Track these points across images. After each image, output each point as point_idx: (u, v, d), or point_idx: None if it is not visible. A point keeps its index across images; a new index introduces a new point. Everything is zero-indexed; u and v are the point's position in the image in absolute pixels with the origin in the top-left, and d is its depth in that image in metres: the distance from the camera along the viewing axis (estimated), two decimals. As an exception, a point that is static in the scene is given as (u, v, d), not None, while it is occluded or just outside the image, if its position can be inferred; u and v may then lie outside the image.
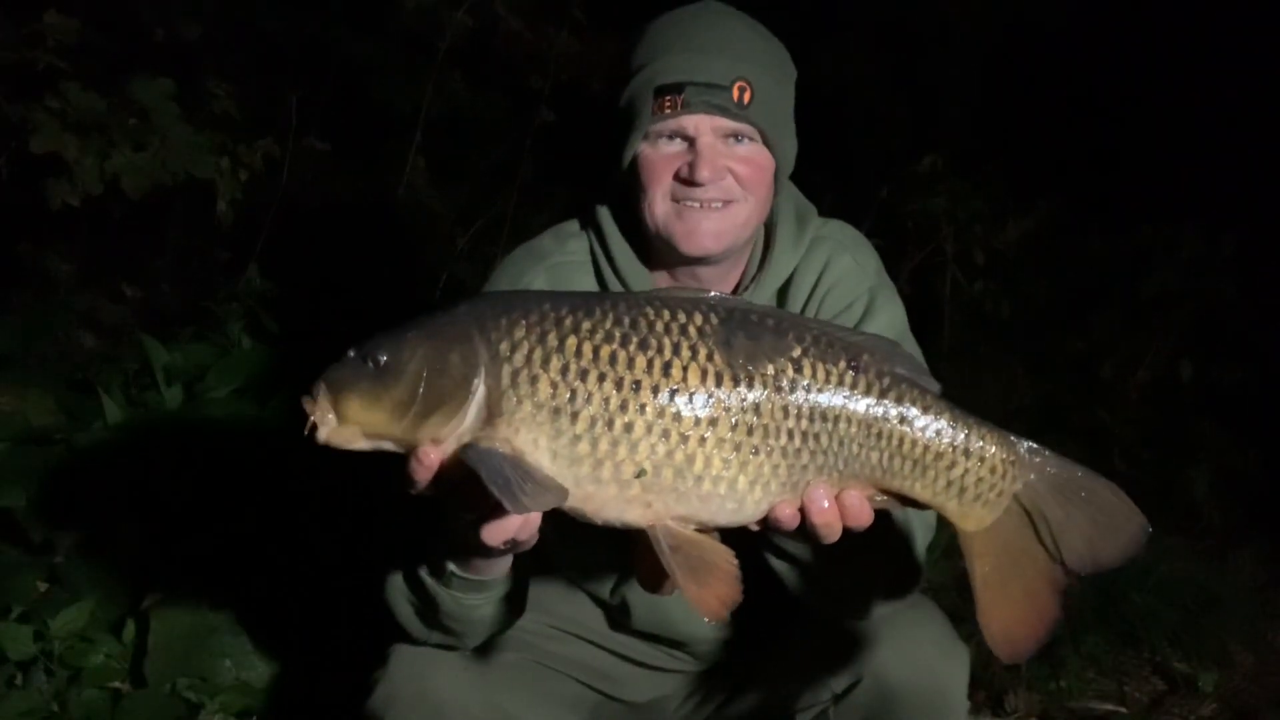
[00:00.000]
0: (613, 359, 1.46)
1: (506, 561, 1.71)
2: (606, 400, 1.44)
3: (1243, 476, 4.80)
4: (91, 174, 3.59)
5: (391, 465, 1.51)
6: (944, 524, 1.65)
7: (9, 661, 2.64)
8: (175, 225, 4.65)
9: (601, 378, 1.45)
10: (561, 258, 1.95)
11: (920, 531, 1.86)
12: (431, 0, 4.65)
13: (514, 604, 1.84)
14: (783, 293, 1.96)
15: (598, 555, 1.96)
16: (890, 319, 1.94)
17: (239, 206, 4.05)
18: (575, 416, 1.44)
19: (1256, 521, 4.45)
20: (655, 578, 1.52)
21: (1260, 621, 3.79)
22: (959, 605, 3.23)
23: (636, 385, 1.45)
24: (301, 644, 2.75)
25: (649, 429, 1.45)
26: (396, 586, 1.79)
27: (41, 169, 3.64)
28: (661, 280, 1.95)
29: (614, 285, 1.93)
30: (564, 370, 1.45)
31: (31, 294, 4.13)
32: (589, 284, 1.95)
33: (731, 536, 1.54)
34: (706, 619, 1.49)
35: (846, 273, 1.96)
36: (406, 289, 4.34)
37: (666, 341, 1.47)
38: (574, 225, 2.00)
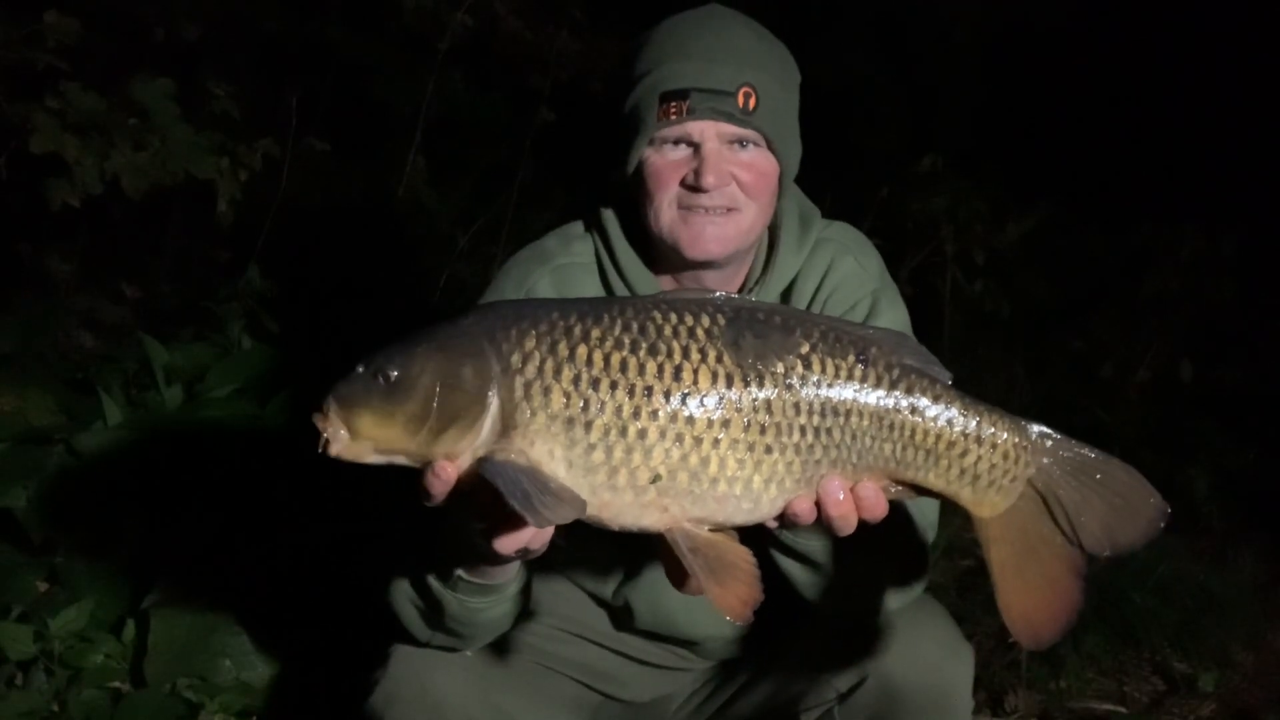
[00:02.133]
0: (623, 366, 1.46)
1: (515, 566, 1.72)
2: (619, 408, 1.45)
3: (1243, 476, 4.79)
4: (91, 174, 3.59)
5: (396, 469, 1.50)
6: (944, 525, 1.65)
7: (9, 661, 2.64)
8: (175, 225, 4.66)
9: (613, 386, 1.45)
10: (566, 259, 1.95)
11: (926, 532, 1.87)
12: (431, 0, 4.64)
13: (518, 606, 1.84)
14: (786, 295, 1.97)
15: (600, 557, 1.96)
16: (893, 321, 1.94)
17: (239, 206, 4.05)
18: (589, 426, 1.44)
19: (1256, 521, 4.45)
20: (680, 577, 1.52)
21: (1260, 621, 3.78)
22: (959, 605, 3.24)
23: (648, 391, 1.45)
24: (301, 644, 2.75)
25: (662, 434, 1.45)
26: (400, 588, 1.79)
27: (41, 169, 3.64)
28: (666, 283, 1.95)
29: (619, 288, 1.93)
30: (576, 380, 1.45)
31: (31, 294, 4.13)
32: (594, 286, 1.95)
33: (746, 530, 1.55)
34: (730, 619, 1.49)
35: (850, 275, 1.96)
36: (406, 289, 4.35)
37: (675, 345, 1.48)
38: (578, 227, 2.00)
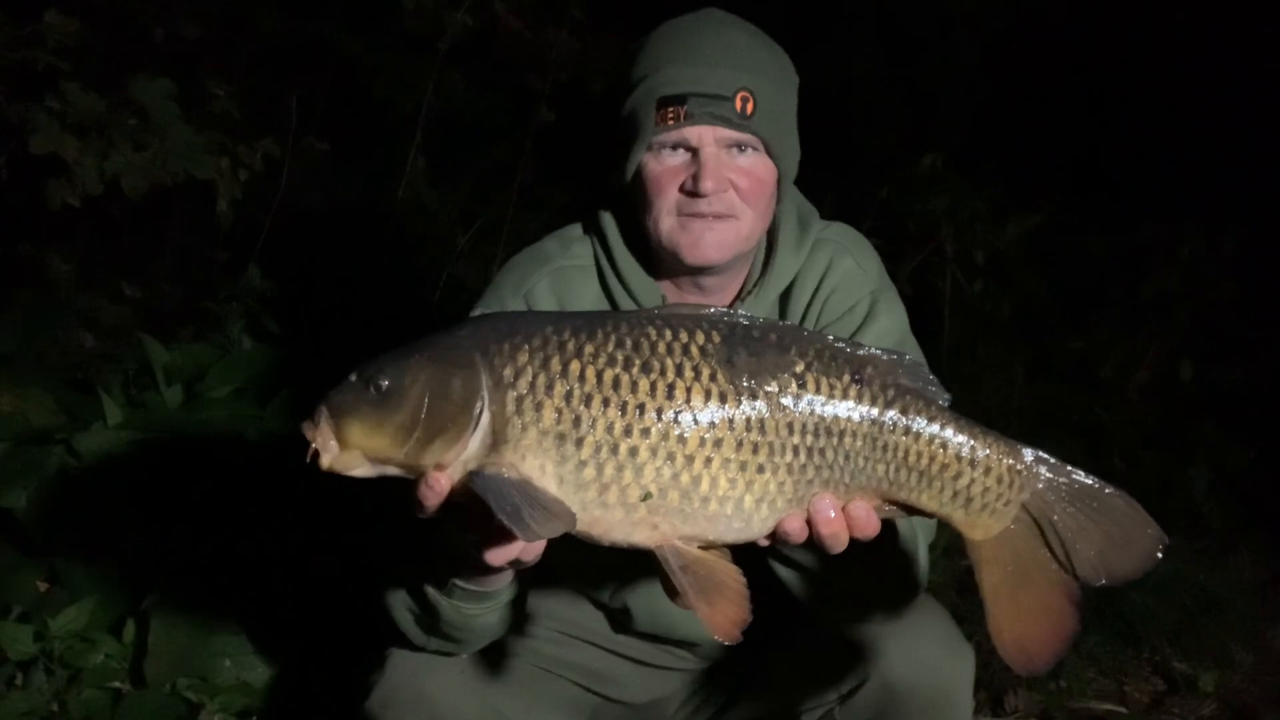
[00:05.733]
0: (616, 383, 1.46)
1: (509, 573, 1.72)
2: (611, 425, 1.45)
3: (1243, 476, 4.79)
4: (91, 174, 3.59)
5: (393, 478, 1.50)
6: (947, 525, 1.65)
7: (9, 661, 2.64)
8: (175, 225, 4.66)
9: (605, 402, 1.45)
10: (565, 262, 1.95)
11: (922, 533, 1.86)
12: (431, 0, 4.64)
13: (513, 611, 1.84)
14: (785, 296, 1.97)
15: (597, 560, 1.95)
16: (891, 322, 1.94)
17: (239, 206, 4.05)
18: (580, 442, 1.45)
19: (1256, 521, 4.44)
20: (675, 590, 1.53)
21: (1260, 621, 3.78)
22: (959, 605, 3.24)
23: (640, 409, 1.45)
24: (301, 644, 2.75)
25: (654, 452, 1.45)
26: (396, 594, 1.80)
27: (41, 169, 3.64)
28: (665, 287, 1.95)
29: (618, 291, 1.93)
30: (568, 396, 1.45)
31: (31, 294, 4.13)
32: (593, 289, 1.95)
33: (738, 546, 1.55)
34: (718, 638, 1.49)
35: (848, 276, 1.96)
36: (406, 289, 4.35)
37: (669, 363, 1.48)
38: (577, 229, 2.00)
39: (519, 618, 1.90)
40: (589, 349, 1.47)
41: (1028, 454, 1.56)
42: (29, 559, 2.83)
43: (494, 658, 1.96)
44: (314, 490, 2.81)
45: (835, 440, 1.51)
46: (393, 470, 1.48)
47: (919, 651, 1.88)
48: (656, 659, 2.11)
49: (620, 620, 2.06)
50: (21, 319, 3.68)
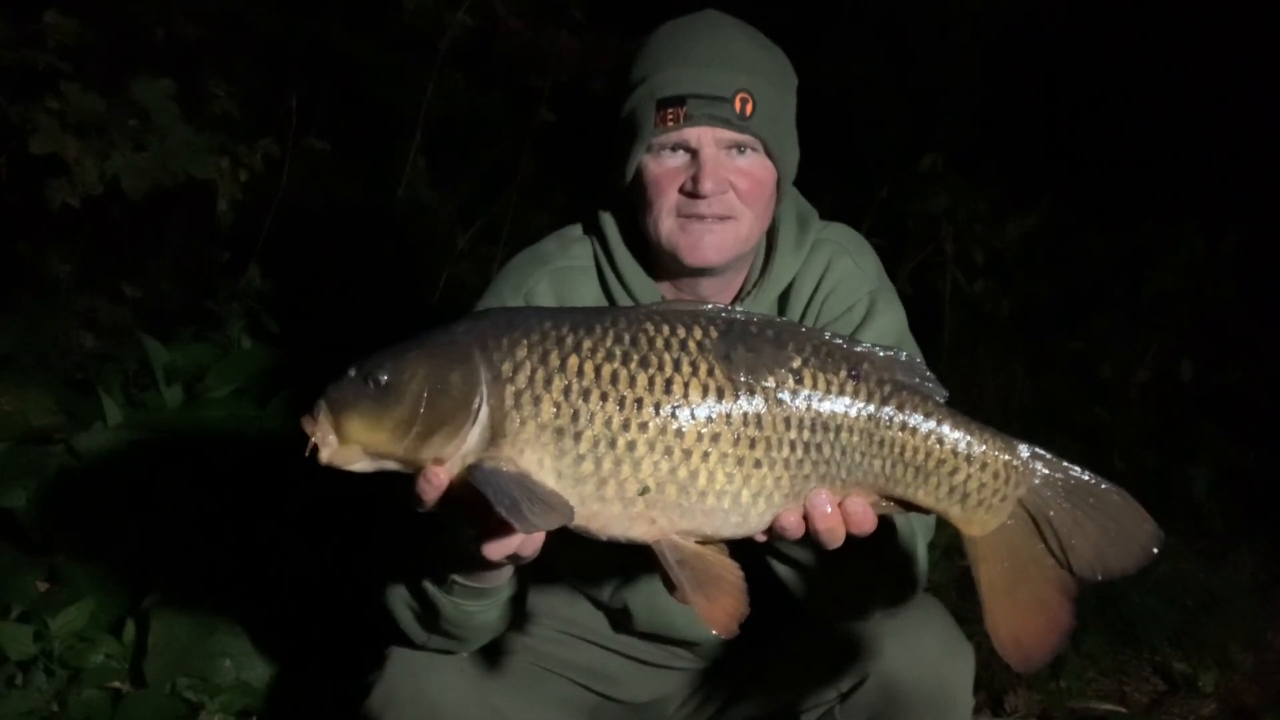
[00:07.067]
0: (614, 378, 1.46)
1: (509, 570, 1.72)
2: (609, 420, 1.45)
3: (1243, 476, 4.79)
4: (91, 174, 3.60)
5: (392, 473, 1.51)
6: (945, 524, 1.65)
7: (9, 661, 2.64)
8: (175, 225, 4.66)
9: (604, 397, 1.46)
10: (565, 263, 1.96)
11: (921, 532, 1.87)
12: (431, 0, 4.65)
13: (513, 609, 1.84)
14: (784, 297, 1.97)
15: (596, 559, 1.95)
16: (890, 322, 1.94)
17: (239, 206, 4.05)
18: (579, 437, 1.45)
19: (1256, 521, 4.44)
20: (674, 585, 1.53)
21: (1260, 621, 3.78)
22: (959, 605, 3.24)
23: (638, 403, 1.46)
24: (301, 644, 2.75)
25: (651, 447, 1.46)
26: (396, 592, 1.80)
27: (41, 169, 3.65)
28: (665, 288, 1.95)
29: (618, 291, 1.94)
30: (566, 390, 1.46)
31: (31, 294, 4.13)
32: (592, 290, 1.96)
33: (736, 541, 1.55)
34: (715, 632, 1.50)
35: (847, 276, 1.96)
36: (406, 289, 4.35)
37: (667, 358, 1.48)
38: (577, 230, 2.00)
39: (519, 616, 1.90)
40: (587, 344, 1.48)
41: (1024, 450, 1.56)
42: (29, 559, 2.83)
43: (494, 656, 1.96)
44: (314, 489, 2.82)
45: (832, 435, 1.51)
46: (391, 465, 1.49)
47: (919, 650, 1.88)
48: (656, 658, 2.11)
49: (620, 620, 2.06)
50: (21, 319, 3.68)
